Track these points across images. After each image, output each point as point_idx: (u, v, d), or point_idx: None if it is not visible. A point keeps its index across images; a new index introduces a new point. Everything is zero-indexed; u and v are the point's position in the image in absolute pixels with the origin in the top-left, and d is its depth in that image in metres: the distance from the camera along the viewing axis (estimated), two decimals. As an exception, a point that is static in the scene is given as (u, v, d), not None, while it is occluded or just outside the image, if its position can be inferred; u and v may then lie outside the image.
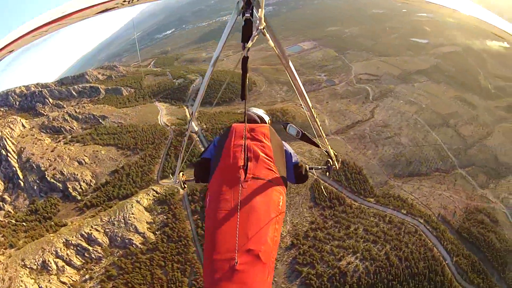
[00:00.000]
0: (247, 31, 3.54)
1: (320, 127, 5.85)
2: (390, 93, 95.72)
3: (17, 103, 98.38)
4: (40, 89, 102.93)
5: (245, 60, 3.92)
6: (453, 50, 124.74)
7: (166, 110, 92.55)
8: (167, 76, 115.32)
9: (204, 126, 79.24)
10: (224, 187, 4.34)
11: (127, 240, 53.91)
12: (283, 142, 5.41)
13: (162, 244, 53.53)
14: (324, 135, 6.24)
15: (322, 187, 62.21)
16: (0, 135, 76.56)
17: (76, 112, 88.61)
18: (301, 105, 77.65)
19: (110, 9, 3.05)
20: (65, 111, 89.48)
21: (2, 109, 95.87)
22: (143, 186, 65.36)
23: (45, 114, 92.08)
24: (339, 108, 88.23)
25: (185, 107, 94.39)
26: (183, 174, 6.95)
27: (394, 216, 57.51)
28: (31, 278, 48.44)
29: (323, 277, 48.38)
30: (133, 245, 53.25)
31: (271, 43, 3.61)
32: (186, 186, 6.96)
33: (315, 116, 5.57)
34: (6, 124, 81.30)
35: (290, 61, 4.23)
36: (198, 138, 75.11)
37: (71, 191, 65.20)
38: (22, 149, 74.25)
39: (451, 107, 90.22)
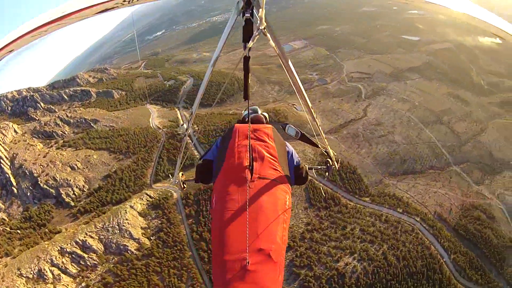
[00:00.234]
0: (247, 31, 3.66)
1: (320, 127, 5.97)
2: (382, 91, 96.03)
3: (9, 108, 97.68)
4: (31, 93, 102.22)
5: (246, 60, 4.09)
6: (445, 47, 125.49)
7: (158, 113, 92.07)
8: (158, 78, 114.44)
9: (196, 128, 78.98)
10: (230, 188, 4.36)
11: (122, 247, 53.57)
12: (286, 142, 5.47)
13: (158, 250, 53.14)
14: (323, 135, 6.36)
15: (321, 188, 62.47)
16: (-7, 141, 76.03)
17: (67, 116, 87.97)
18: (293, 104, 77.75)
19: (110, 9, 3.08)
20: (57, 116, 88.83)
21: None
22: (136, 190, 65.01)
23: (37, 119, 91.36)
24: (331, 107, 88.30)
25: (176, 109, 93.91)
26: (182, 174, 7.00)
27: (390, 215, 57.72)
28: (28, 288, 48.47)
29: (321, 279, 48.38)
30: (128, 251, 52.90)
31: (271, 43, 3.63)
32: (185, 186, 7.01)
33: (314, 115, 5.67)
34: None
35: (289, 60, 4.31)
36: (190, 141, 75.04)
37: (65, 197, 64.74)
38: (14, 155, 73.68)
39: (444, 104, 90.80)
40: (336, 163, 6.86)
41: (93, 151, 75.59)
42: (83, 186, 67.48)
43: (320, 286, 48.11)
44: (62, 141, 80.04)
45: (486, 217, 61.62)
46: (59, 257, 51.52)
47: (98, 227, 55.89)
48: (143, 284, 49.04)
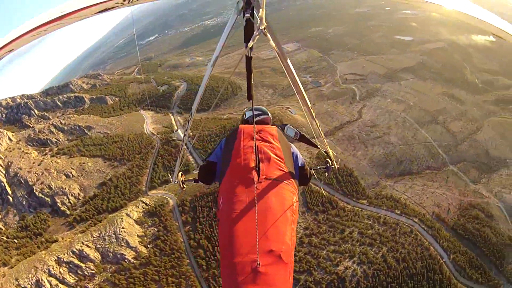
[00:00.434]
0: (248, 31, 3.79)
1: (320, 127, 6.10)
2: (376, 92, 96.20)
3: (4, 115, 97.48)
4: (25, 100, 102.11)
5: (248, 60, 4.25)
6: (439, 46, 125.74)
7: (152, 118, 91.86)
8: (151, 83, 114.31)
9: (191, 133, 78.87)
10: (237, 189, 4.42)
11: (119, 255, 53.28)
12: (290, 143, 5.56)
13: (155, 258, 52.82)
14: (323, 135, 6.48)
15: (322, 189, 62.52)
16: (-13, 150, 75.84)
17: (61, 123, 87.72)
18: (287, 107, 77.74)
19: (110, 8, 3.13)
20: (51, 123, 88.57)
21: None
22: (132, 198, 64.85)
23: (31, 126, 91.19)
24: (326, 110, 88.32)
25: (170, 115, 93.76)
26: (182, 174, 7.02)
27: (388, 217, 57.79)
28: (26, 299, 48.22)
29: (321, 284, 48.27)
30: (126, 260, 52.60)
31: (272, 43, 3.67)
32: (185, 186, 7.05)
33: (314, 115, 5.77)
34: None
35: (289, 61, 4.42)
36: (185, 146, 74.64)
37: (60, 205, 64.50)
38: (9, 163, 73.43)
39: (439, 104, 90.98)
40: (335, 164, 6.96)
41: (87, 158, 75.40)
42: (79, 194, 67.24)
43: (321, 290, 48.27)
44: (56, 148, 79.82)
45: (485, 216, 61.68)
46: (56, 267, 51.24)
47: (94, 236, 55.58)
48: (142, 293, 49.02)
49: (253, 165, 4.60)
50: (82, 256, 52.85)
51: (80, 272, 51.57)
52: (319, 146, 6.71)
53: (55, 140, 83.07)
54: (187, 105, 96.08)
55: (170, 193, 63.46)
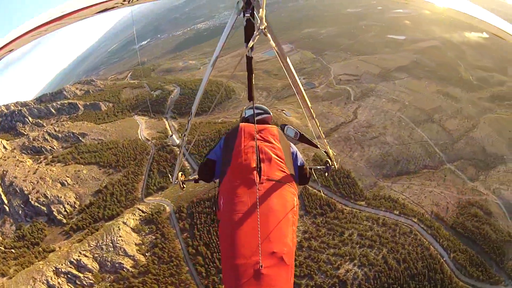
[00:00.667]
0: (248, 31, 3.82)
1: (320, 127, 6.20)
2: (371, 92, 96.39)
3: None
4: (19, 107, 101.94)
5: (249, 60, 4.29)
6: (432, 45, 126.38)
7: (146, 124, 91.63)
8: (144, 88, 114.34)
9: (186, 138, 78.65)
10: (239, 189, 4.43)
11: (117, 264, 52.95)
12: (290, 143, 5.62)
13: (154, 266, 52.41)
14: (323, 135, 6.59)
15: (321, 190, 62.47)
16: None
17: (55, 131, 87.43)
18: (282, 110, 77.74)
19: (110, 8, 3.14)
20: (45, 130, 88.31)
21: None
22: (128, 205, 64.57)
23: (26, 133, 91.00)
24: (321, 111, 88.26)
25: (164, 120, 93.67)
26: (182, 174, 7.05)
27: (387, 218, 57.81)
28: (27, 311, 47.94)
29: (322, 288, 48.55)
30: (124, 269, 52.26)
31: (272, 43, 3.76)
32: (185, 185, 7.14)
33: (314, 115, 5.87)
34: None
35: (289, 60, 4.51)
36: (185, 147, 74.39)
37: (56, 214, 64.11)
38: (4, 172, 73.07)
39: (434, 102, 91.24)
40: (335, 163, 7.10)
41: (82, 166, 75.10)
42: (74, 202, 66.87)
43: (322, 295, 48.24)
44: (51, 156, 79.50)
45: (483, 213, 61.74)
46: (54, 278, 50.88)
47: (91, 245, 55.17)
48: (141, 303, 48.84)
49: (254, 165, 4.61)
50: (80, 266, 52.49)
51: (78, 283, 51.23)
52: (319, 146, 6.79)
53: (50, 147, 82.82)
54: (181, 109, 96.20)
55: (167, 200, 63.21)
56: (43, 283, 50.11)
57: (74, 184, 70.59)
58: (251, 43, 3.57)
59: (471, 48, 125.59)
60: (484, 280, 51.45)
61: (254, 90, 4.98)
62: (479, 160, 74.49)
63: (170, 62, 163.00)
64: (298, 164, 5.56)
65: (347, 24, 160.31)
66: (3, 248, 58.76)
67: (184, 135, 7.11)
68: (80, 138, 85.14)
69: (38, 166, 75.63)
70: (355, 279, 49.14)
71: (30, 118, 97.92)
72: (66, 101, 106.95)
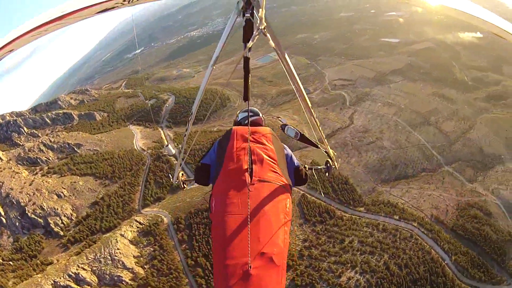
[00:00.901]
0: (248, 31, 3.82)
1: (320, 127, 6.16)
2: (366, 96, 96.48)
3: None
4: (14, 118, 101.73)
5: (246, 60, 4.30)
6: (426, 47, 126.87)
7: (141, 134, 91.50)
8: (139, 97, 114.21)
9: (186, 138, 78.30)
10: (230, 191, 4.43)
11: (116, 277, 52.65)
12: (284, 145, 5.66)
13: (153, 279, 52.16)
14: (323, 135, 6.54)
15: (321, 192, 62.48)
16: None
17: (50, 141, 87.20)
18: (278, 117, 77.77)
19: (110, 9, 3.14)
20: (40, 141, 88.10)
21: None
22: (125, 217, 64.38)
23: (21, 144, 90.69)
24: (317, 117, 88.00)
25: (159, 129, 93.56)
26: (182, 174, 7.16)
27: (387, 223, 57.94)
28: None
29: (325, 296, 48.44)
30: (123, 282, 51.96)
31: (271, 43, 3.72)
32: (186, 185, 7.22)
33: (314, 116, 5.82)
34: (-16, 159, 79.97)
35: (290, 62, 4.49)
36: (176, 161, 74.04)
37: (53, 226, 63.83)
38: (1, 183, 72.62)
39: (430, 104, 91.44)
40: (336, 163, 7.07)
41: (78, 177, 74.92)
42: (71, 214, 66.62)
43: (325, 304, 48.24)
44: (47, 167, 79.38)
45: (483, 214, 62.02)
46: (53, 291, 50.95)
47: (89, 258, 54.94)
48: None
49: (246, 167, 4.65)
50: (78, 280, 52.19)
51: (77, 296, 51.31)
52: (319, 146, 6.75)
53: (45, 158, 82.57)
54: (176, 118, 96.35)
55: (164, 211, 63.05)
56: (42, 297, 50.13)
57: (70, 195, 70.34)
58: (250, 43, 3.57)
59: (465, 49, 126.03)
60: (486, 280, 51.74)
61: (250, 91, 5.09)
62: (477, 161, 74.70)
63: (164, 71, 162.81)
64: (294, 166, 5.67)
65: (341, 29, 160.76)
66: (1, 260, 58.52)
67: (185, 135, 7.05)
68: (75, 148, 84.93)
69: (34, 178, 75.34)
70: (357, 286, 49.21)
71: (25, 129, 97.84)
72: (61, 111, 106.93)
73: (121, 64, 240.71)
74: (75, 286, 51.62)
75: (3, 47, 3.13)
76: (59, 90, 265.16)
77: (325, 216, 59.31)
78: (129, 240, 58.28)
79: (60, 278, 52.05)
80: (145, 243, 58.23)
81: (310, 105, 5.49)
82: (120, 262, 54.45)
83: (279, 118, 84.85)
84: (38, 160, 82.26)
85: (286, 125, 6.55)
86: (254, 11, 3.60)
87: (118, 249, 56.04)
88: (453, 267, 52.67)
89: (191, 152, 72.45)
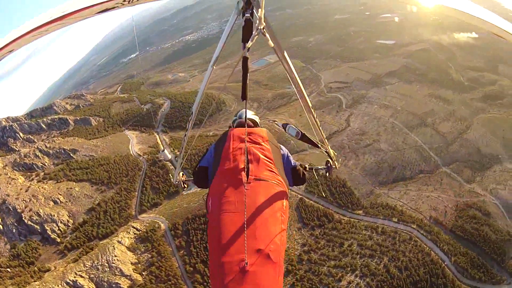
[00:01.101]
0: (247, 31, 3.84)
1: (320, 127, 6.26)
2: (363, 99, 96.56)
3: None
4: (10, 123, 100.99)
5: (245, 60, 4.21)
6: (421, 48, 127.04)
7: (137, 139, 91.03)
8: (134, 102, 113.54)
9: (178, 153, 78.24)
10: (226, 190, 4.48)
11: (114, 285, 52.30)
12: (280, 145, 5.71)
13: (151, 286, 52.01)
14: (323, 135, 6.65)
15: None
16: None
17: (46, 147, 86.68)
18: (274, 121, 77.98)
19: (110, 9, 3.16)
20: (36, 147, 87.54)
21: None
22: (122, 223, 64.06)
23: (17, 149, 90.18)
24: (313, 121, 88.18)
25: (155, 134, 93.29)
26: (183, 174, 7.21)
27: (386, 226, 57.91)
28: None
29: (325, 301, 48.36)
30: (122, 289, 52.23)
31: (271, 43, 3.72)
32: (186, 186, 7.28)
33: (315, 116, 5.96)
34: (-20, 165, 79.68)
35: (290, 62, 4.59)
36: (172, 166, 74.19)
37: (50, 233, 63.43)
38: None
39: (427, 106, 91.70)
40: (336, 163, 7.17)
41: (74, 183, 74.37)
42: (68, 220, 66.16)
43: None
44: (43, 173, 78.75)
45: (482, 215, 62.24)
46: (51, 299, 50.66)
47: (87, 265, 54.47)
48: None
49: (242, 166, 4.69)
50: (76, 287, 52.25)
51: (76, 304, 51.07)
52: (320, 145, 6.88)
53: (41, 164, 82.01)
54: (171, 123, 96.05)
55: (161, 217, 62.76)
56: (40, 305, 49.92)
57: (66, 201, 69.92)
58: (250, 43, 3.54)
59: (460, 49, 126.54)
60: (486, 281, 52.09)
61: (247, 90, 4.98)
62: (475, 161, 74.96)
63: (159, 75, 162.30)
64: (291, 166, 5.73)
65: (336, 31, 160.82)
66: (-2, 267, 58.43)
67: (185, 135, 7.13)
68: (71, 154, 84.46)
69: (30, 184, 74.93)
70: (358, 290, 49.28)
71: (21, 134, 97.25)
72: (56, 116, 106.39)
73: (117, 68, 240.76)
74: (73, 294, 51.57)
75: (3, 47, 3.15)
76: (55, 95, 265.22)
77: (323, 219, 59.15)
78: (127, 247, 57.94)
79: (57, 286, 51.65)
80: (142, 249, 57.88)
81: (310, 105, 5.62)
82: (118, 269, 54.12)
83: (275, 122, 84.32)
84: (34, 166, 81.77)
85: (287, 124, 6.87)
86: (254, 11, 3.64)
87: (115, 256, 55.74)
88: (453, 268, 52.83)
89: (187, 157, 72.26)
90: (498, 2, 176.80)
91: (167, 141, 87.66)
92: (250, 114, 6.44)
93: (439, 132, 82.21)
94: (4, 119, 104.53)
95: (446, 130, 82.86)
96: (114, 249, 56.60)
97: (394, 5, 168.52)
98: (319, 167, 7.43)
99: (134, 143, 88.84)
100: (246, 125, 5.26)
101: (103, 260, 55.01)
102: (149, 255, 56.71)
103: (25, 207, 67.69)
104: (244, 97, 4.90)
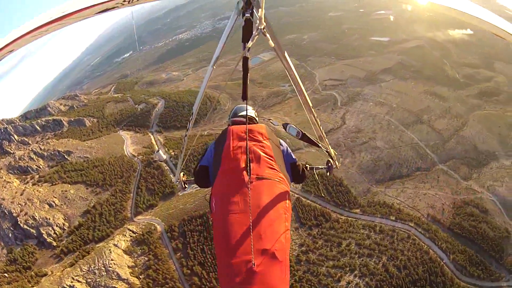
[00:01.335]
0: (247, 31, 3.83)
1: (321, 127, 6.23)
2: (358, 96, 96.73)
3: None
4: (5, 125, 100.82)
5: (245, 60, 4.29)
6: (416, 45, 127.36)
7: (131, 139, 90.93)
8: (128, 102, 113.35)
9: (173, 153, 78.29)
10: (229, 190, 4.50)
11: (111, 289, 52.67)
12: (280, 140, 5.69)
13: (149, 289, 52.31)
14: (324, 134, 6.62)
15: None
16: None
17: (41, 149, 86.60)
18: (269, 119, 77.68)
19: (110, 9, 3.15)
20: (30, 149, 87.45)
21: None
22: (117, 225, 63.87)
23: (12, 152, 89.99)
24: (308, 119, 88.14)
25: (150, 134, 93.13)
26: (183, 174, 7.13)
27: (384, 225, 57.94)
28: None
29: (325, 302, 48.29)
30: (119, 294, 51.96)
31: (271, 43, 3.74)
32: (187, 186, 7.20)
33: (315, 115, 5.94)
34: (-25, 169, 79.45)
35: (291, 62, 4.52)
36: (167, 167, 74.06)
37: (46, 237, 63.20)
38: None
39: (422, 103, 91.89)
40: (337, 163, 7.13)
41: (69, 185, 74.10)
42: (63, 224, 65.94)
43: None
44: (37, 176, 78.51)
45: (479, 212, 62.34)
46: (49, 305, 50.41)
47: (84, 270, 54.31)
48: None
49: (243, 165, 4.68)
50: (74, 292, 52.06)
51: (74, 309, 50.82)
52: (320, 145, 6.83)
53: (36, 167, 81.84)
54: (166, 123, 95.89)
55: (157, 219, 62.66)
56: (38, 310, 49.72)
57: (62, 204, 69.65)
58: (250, 43, 3.60)
59: (456, 46, 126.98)
60: (484, 278, 52.30)
61: (248, 91, 5.07)
62: (471, 158, 75.15)
63: (153, 74, 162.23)
64: (291, 161, 5.69)
65: (330, 29, 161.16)
66: (-4, 272, 58.08)
67: (186, 135, 7.19)
68: (65, 156, 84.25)
69: (25, 187, 74.63)
70: (357, 290, 49.27)
71: (15, 136, 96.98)
72: (50, 118, 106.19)
73: (110, 68, 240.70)
74: (71, 299, 51.32)
75: (3, 47, 3.15)
76: (50, 96, 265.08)
77: (320, 219, 59.14)
78: (123, 250, 57.77)
79: (55, 291, 51.70)
80: (139, 252, 57.72)
81: (311, 104, 5.64)
82: (115, 273, 53.94)
83: (270, 121, 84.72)
84: (29, 168, 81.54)
85: (287, 123, 6.80)
86: (254, 11, 3.64)
87: (112, 259, 55.56)
88: (451, 266, 52.91)
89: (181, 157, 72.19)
90: (495, 2, 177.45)
91: (162, 141, 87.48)
92: (249, 110, 6.35)
93: (435, 129, 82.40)
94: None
95: (442, 127, 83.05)
96: (110, 252, 56.47)
97: (388, 2, 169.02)
98: (320, 166, 7.41)
99: (129, 143, 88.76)
100: (247, 124, 5.18)
101: (99, 264, 54.90)
102: (146, 258, 56.60)
103: (21, 211, 67.50)
104: (244, 97, 5.01)
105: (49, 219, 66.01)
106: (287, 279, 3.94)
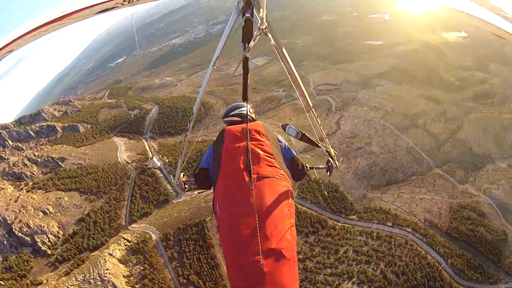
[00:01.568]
0: (247, 31, 3.84)
1: (321, 127, 6.27)
2: (352, 101, 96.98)
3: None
4: (0, 130, 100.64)
5: (245, 60, 4.28)
6: (410, 48, 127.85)
7: (125, 146, 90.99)
8: (122, 108, 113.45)
9: (167, 160, 78.19)
10: (232, 192, 4.54)
11: (107, 299, 52.41)
12: (278, 136, 5.69)
13: (144, 300, 51.93)
14: (324, 134, 6.68)
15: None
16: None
17: (35, 155, 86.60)
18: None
19: (110, 9, 3.20)
20: (24, 155, 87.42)
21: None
22: (112, 234, 63.82)
23: (6, 158, 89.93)
24: (303, 124, 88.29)
25: (143, 140, 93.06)
26: (184, 175, 7.19)
27: (381, 231, 58.00)
28: None
29: (323, 310, 48.21)
30: (115, 304, 51.73)
31: (273, 42, 3.83)
32: (187, 186, 7.22)
33: (315, 115, 6.00)
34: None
35: (291, 61, 4.59)
36: (161, 174, 73.93)
37: (40, 245, 63.14)
38: None
39: (417, 107, 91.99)
40: (337, 163, 7.14)
41: (63, 192, 74.05)
42: (58, 232, 65.84)
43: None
44: (31, 183, 78.42)
45: (476, 215, 62.44)
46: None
47: (79, 279, 54.13)
48: None
49: (243, 165, 4.68)
50: (69, 302, 51.82)
51: (69, 320, 50.61)
52: (320, 145, 6.81)
53: (30, 173, 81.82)
54: (160, 129, 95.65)
55: (152, 227, 62.65)
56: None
57: (56, 212, 69.48)
58: (252, 43, 3.64)
59: (450, 49, 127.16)
60: (483, 281, 52.36)
61: (249, 91, 5.14)
62: (467, 161, 75.22)
63: (146, 80, 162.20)
64: (290, 156, 5.68)
65: (323, 33, 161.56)
66: (-9, 280, 57.83)
67: (186, 135, 7.30)
68: (59, 162, 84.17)
69: (19, 194, 74.47)
70: (356, 298, 49.14)
71: (10, 142, 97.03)
72: (44, 123, 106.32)
73: (104, 73, 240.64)
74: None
75: (3, 47, 3.21)
76: (44, 101, 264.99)
77: (317, 226, 59.17)
78: (118, 259, 57.66)
79: (50, 300, 51.57)
80: (134, 261, 57.61)
81: (311, 104, 5.74)
82: (110, 283, 53.84)
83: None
84: (23, 175, 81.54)
85: (287, 124, 6.71)
86: (254, 11, 3.72)
87: (107, 269, 55.45)
88: (449, 270, 53.01)
89: (176, 164, 71.99)
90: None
91: (156, 147, 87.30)
92: (245, 108, 6.35)
93: (431, 133, 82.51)
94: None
95: (438, 131, 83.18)
96: (105, 261, 56.42)
97: (382, 6, 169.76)
98: (320, 166, 7.44)
99: (123, 150, 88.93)
100: (247, 124, 5.13)
101: (94, 274, 54.78)
102: (141, 267, 56.49)
103: (15, 218, 67.49)
104: (245, 97, 5.10)
105: (44, 227, 65.94)
106: (296, 276, 4.03)
